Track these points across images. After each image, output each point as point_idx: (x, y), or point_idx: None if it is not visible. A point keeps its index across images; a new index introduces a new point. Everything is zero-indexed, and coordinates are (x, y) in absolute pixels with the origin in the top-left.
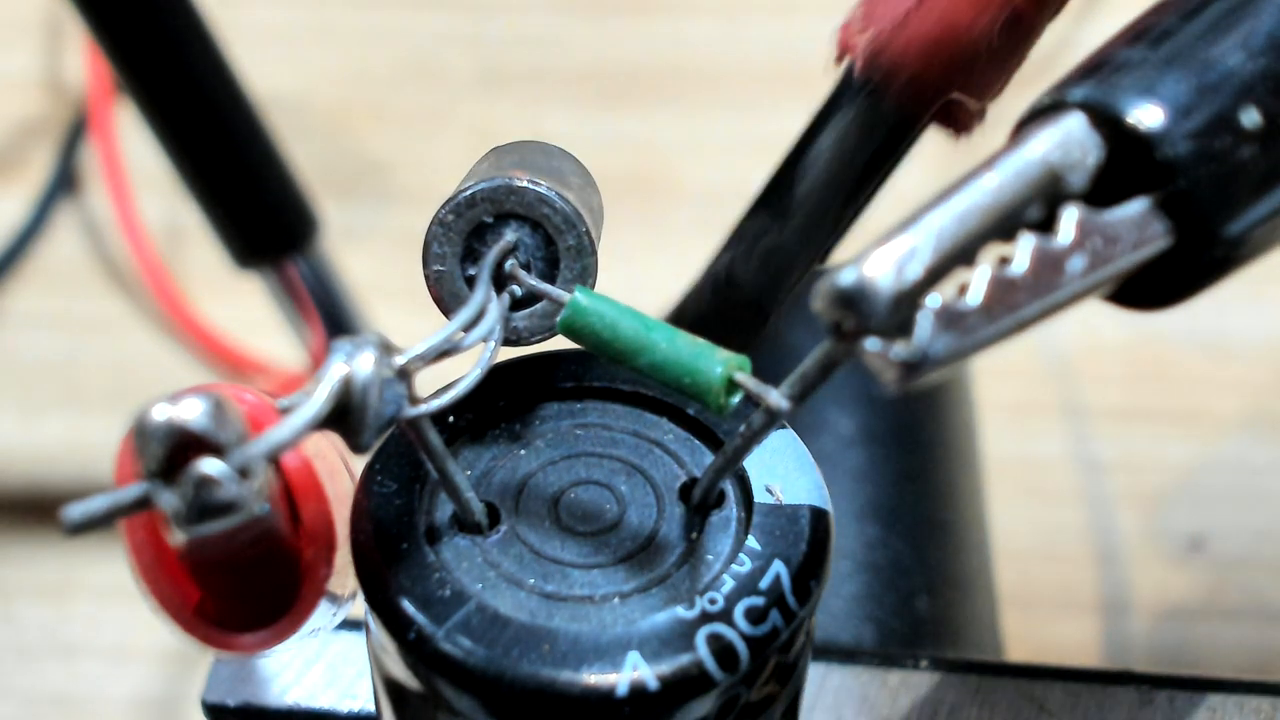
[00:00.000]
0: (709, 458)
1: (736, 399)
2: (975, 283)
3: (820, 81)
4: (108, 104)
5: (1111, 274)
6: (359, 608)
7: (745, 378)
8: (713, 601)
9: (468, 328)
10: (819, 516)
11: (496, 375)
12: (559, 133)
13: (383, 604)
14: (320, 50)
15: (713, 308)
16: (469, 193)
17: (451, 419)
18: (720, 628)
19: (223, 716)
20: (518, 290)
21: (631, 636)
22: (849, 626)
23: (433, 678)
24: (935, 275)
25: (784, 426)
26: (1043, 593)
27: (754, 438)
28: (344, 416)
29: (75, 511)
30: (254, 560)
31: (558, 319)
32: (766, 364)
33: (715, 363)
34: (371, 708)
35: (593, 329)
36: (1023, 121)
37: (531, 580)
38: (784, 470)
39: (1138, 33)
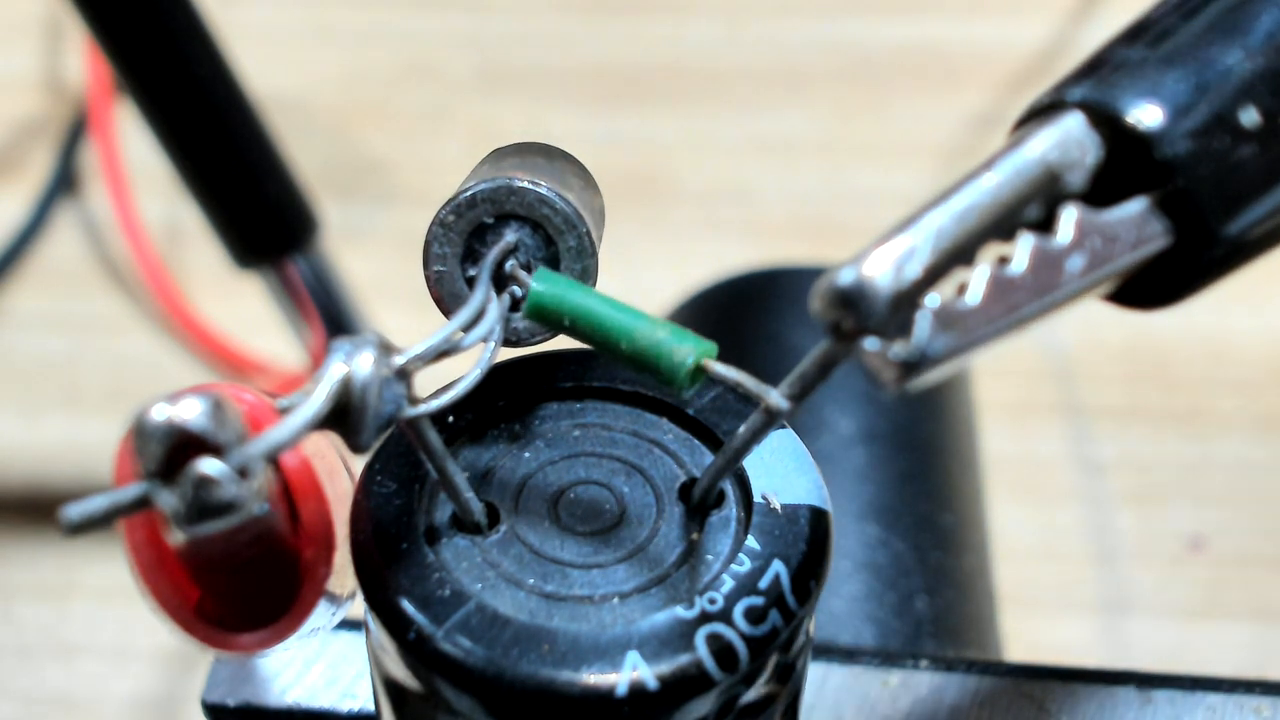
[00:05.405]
0: (709, 458)
1: (700, 383)
2: (974, 282)
3: (819, 81)
4: (108, 104)
5: (1110, 273)
6: (359, 608)
7: (713, 362)
8: (712, 601)
9: (467, 328)
10: (818, 516)
11: (496, 375)
12: (559, 132)
13: (382, 604)
14: (320, 50)
15: None
16: (469, 193)
17: (451, 419)
18: (720, 627)
19: (223, 716)
20: (518, 291)
21: (631, 636)
22: (849, 626)
23: (432, 678)
24: (934, 275)
25: (784, 426)
26: (1043, 593)
27: (754, 438)
28: (343, 416)
29: (74, 512)
30: (253, 560)
31: (523, 305)
32: (767, 364)
33: (681, 352)
34: (371, 708)
35: (555, 313)
36: (1021, 121)
37: (531, 580)
38: (783, 470)
39: (1137, 32)
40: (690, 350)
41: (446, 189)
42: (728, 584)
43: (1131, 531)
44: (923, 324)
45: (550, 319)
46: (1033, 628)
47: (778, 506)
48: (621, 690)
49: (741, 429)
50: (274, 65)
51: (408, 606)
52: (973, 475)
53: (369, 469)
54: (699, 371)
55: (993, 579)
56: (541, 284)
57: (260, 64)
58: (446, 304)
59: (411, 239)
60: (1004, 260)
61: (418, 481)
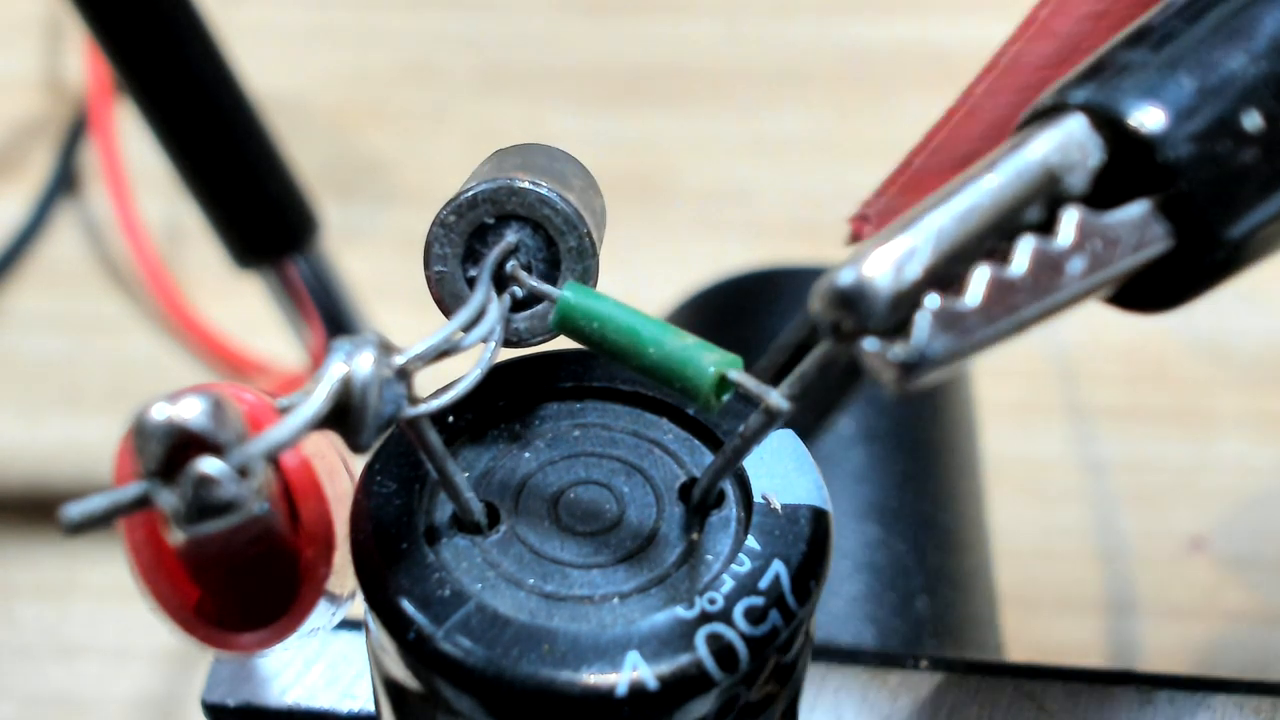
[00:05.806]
0: (709, 458)
1: (726, 397)
2: (974, 284)
3: (819, 81)
4: (108, 104)
5: (1111, 276)
6: (359, 608)
7: (740, 376)
8: (712, 601)
9: (467, 328)
10: (818, 516)
11: (496, 375)
12: (559, 133)
13: (382, 604)
14: (320, 50)
15: None
16: (470, 194)
17: (451, 419)
18: (720, 628)
19: (223, 716)
20: (519, 291)
21: (631, 636)
22: (849, 626)
23: (432, 678)
24: (934, 275)
25: (784, 426)
26: (1043, 593)
27: (753, 438)
28: (343, 416)
29: (74, 511)
30: (253, 560)
31: (549, 317)
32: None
33: (706, 362)
34: (371, 708)
35: (582, 326)
36: (1024, 122)
37: (531, 580)
38: (784, 470)
39: (1139, 35)
40: (713, 366)
41: (446, 189)
42: (728, 584)
43: (1132, 531)
44: (922, 325)
45: (574, 332)
46: (1033, 628)
47: (778, 506)
48: (621, 690)
49: (741, 429)
50: (274, 65)
51: (408, 606)
52: (973, 475)
53: (369, 469)
54: (723, 386)
55: (993, 579)
56: (566, 296)
57: (260, 64)
58: (447, 304)
59: (411, 239)
60: (1004, 262)
61: (418, 481)
